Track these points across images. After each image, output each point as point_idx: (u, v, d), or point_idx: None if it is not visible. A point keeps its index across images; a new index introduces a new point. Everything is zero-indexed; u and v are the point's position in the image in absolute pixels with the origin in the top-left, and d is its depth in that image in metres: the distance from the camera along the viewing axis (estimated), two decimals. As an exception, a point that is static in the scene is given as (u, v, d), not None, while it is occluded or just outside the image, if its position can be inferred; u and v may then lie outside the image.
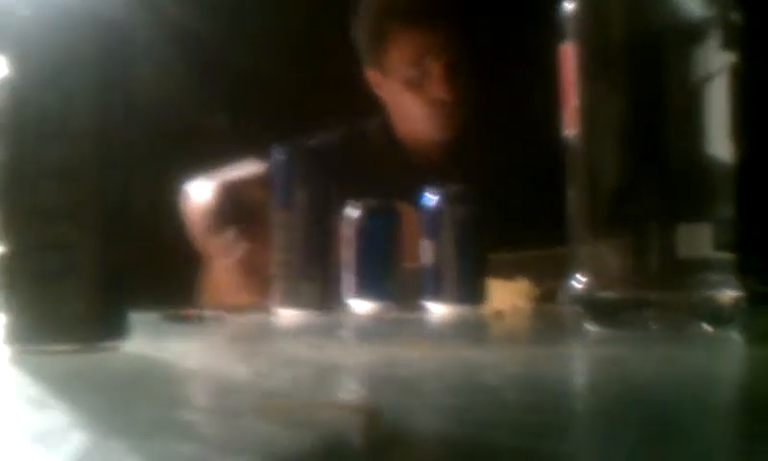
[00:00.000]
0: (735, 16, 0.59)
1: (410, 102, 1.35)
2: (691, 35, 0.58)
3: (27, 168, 0.45)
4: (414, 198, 1.03)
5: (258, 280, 1.24)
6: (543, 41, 0.68)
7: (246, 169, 1.47)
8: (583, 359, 0.46)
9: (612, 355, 0.46)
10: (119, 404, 0.29)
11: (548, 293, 1.05)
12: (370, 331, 0.69)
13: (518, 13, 1.59)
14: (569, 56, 0.61)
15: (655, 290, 0.57)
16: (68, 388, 0.32)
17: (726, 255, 0.57)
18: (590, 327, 0.59)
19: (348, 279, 0.97)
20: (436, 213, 0.92)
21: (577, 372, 0.39)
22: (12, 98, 0.45)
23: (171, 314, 0.75)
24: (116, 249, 0.47)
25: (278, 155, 0.89)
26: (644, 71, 0.59)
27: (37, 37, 0.46)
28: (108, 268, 0.47)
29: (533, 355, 0.47)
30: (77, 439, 0.22)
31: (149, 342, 0.52)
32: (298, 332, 0.67)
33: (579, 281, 0.60)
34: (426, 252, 0.92)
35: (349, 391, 0.31)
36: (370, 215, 0.99)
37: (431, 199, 0.93)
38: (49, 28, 0.46)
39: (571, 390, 0.33)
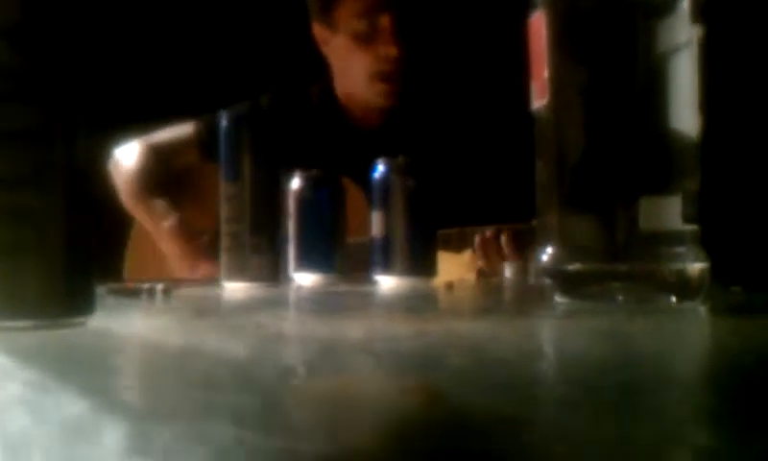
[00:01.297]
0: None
1: (357, 58, 1.33)
2: (660, 6, 0.58)
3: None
4: (358, 166, 1.02)
5: (192, 246, 1.20)
6: (507, 11, 0.67)
7: (175, 132, 1.43)
8: (575, 331, 0.45)
9: (598, 327, 0.46)
10: (132, 385, 0.27)
11: (491, 265, 1.06)
12: (335, 305, 0.67)
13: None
14: (539, 26, 0.61)
15: (622, 262, 0.57)
16: (64, 369, 0.29)
17: (692, 228, 0.57)
18: (558, 299, 0.59)
19: (291, 251, 0.95)
20: (385, 184, 0.91)
21: (582, 344, 0.38)
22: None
23: (116, 287, 0.72)
24: (81, 218, 0.44)
25: (224, 121, 0.86)
26: (613, 42, 0.59)
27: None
28: (73, 238, 0.44)
29: (524, 327, 0.47)
30: (114, 426, 0.20)
31: (108, 317, 0.49)
32: (259, 306, 0.65)
33: (547, 253, 0.60)
34: (376, 223, 0.91)
35: (374, 367, 0.30)
36: (311, 186, 0.97)
37: (380, 170, 0.92)
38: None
39: (591, 363, 0.32)
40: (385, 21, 1.30)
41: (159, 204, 1.28)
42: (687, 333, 0.46)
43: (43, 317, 0.42)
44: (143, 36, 1.74)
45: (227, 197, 0.84)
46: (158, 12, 1.79)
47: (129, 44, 1.62)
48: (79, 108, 0.45)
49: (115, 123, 1.31)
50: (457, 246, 1.05)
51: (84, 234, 0.44)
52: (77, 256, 0.44)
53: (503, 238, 1.04)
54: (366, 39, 1.31)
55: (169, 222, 1.22)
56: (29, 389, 0.25)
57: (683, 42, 0.58)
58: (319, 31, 1.38)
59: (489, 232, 1.05)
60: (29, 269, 0.42)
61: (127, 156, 1.38)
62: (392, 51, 1.30)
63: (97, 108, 0.46)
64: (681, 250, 0.57)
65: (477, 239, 1.06)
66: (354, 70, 1.35)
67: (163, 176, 1.35)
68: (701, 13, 0.59)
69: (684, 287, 0.57)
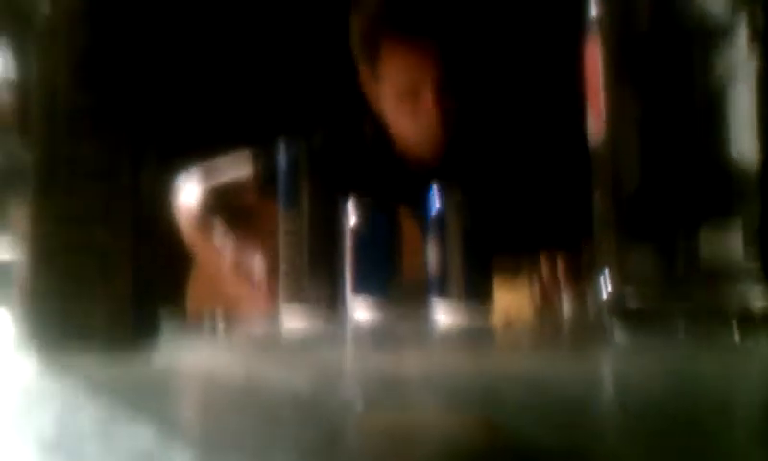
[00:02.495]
0: (761, 16, 0.59)
1: (401, 111, 1.30)
2: (717, 34, 0.58)
3: (59, 169, 0.43)
4: (414, 199, 1.02)
5: (250, 283, 1.22)
6: (564, 42, 0.67)
7: (237, 169, 1.45)
8: (636, 367, 0.45)
9: (660, 362, 0.45)
10: (199, 416, 0.27)
11: (548, 298, 1.05)
12: (394, 337, 0.67)
13: (539, 14, 1.57)
14: (594, 57, 0.61)
15: (683, 296, 0.57)
16: (131, 399, 0.30)
17: (754, 261, 0.56)
18: (618, 334, 0.58)
19: (347, 280, 0.95)
20: (440, 216, 0.91)
21: (644, 380, 0.38)
22: (42, 97, 0.43)
23: (179, 320, 0.73)
24: (148, 251, 0.46)
25: (283, 154, 0.88)
26: (670, 71, 0.58)
27: (67, 34, 0.44)
28: (141, 271, 0.45)
29: (585, 363, 0.46)
30: (184, 457, 0.21)
31: (172, 349, 0.50)
32: (321, 340, 0.65)
33: (606, 288, 0.59)
34: (431, 254, 0.91)
35: (444, 404, 0.30)
36: (368, 216, 0.98)
37: (436, 202, 0.92)
38: (79, 22, 0.44)
39: (653, 398, 0.32)
40: (428, 77, 1.27)
41: (220, 235, 1.30)
42: (751, 368, 0.45)
43: (110, 348, 0.43)
44: (201, 70, 1.78)
45: (285, 226, 0.85)
46: (213, 47, 1.82)
47: (187, 78, 1.65)
48: (144, 143, 0.46)
49: (176, 156, 1.34)
50: (512, 272, 1.05)
51: (152, 267, 0.46)
52: (143, 289, 0.45)
53: (559, 265, 1.03)
54: (409, 95, 1.28)
55: (230, 251, 1.24)
56: (99, 419, 0.26)
57: (740, 68, 0.58)
58: (366, 77, 1.36)
59: (545, 259, 1.03)
60: (98, 300, 0.43)
61: (187, 193, 1.41)
62: (436, 108, 1.26)
63: (160, 142, 0.48)
64: (743, 282, 0.56)
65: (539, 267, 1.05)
66: (400, 121, 1.32)
67: (223, 212, 1.37)
68: (759, 38, 0.58)
69: (747, 320, 0.56)
